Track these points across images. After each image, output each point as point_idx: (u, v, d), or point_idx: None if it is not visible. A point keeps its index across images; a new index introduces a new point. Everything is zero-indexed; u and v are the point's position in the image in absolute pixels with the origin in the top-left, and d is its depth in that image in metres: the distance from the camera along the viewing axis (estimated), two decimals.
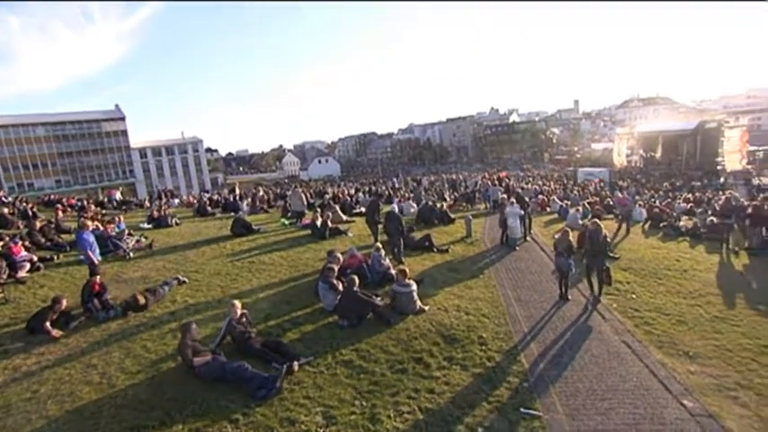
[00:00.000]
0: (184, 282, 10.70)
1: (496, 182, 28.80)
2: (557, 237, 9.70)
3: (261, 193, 28.18)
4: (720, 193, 34.01)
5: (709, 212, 17.43)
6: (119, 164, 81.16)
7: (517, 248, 13.79)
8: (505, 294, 10.12)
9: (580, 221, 17.81)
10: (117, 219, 16.41)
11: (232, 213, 22.32)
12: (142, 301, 8.97)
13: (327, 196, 24.02)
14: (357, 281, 8.46)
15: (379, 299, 9.30)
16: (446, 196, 28.90)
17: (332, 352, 7.52)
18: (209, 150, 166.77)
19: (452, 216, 18.28)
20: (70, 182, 75.41)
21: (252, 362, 7.06)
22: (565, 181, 42.24)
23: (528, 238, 14.84)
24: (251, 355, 7.19)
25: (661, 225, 16.64)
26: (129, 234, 15.45)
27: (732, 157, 47.46)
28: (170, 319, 8.74)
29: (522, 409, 6.11)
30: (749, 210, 14.18)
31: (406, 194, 25.45)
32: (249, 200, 24.74)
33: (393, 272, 10.84)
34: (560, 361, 7.24)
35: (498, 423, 5.91)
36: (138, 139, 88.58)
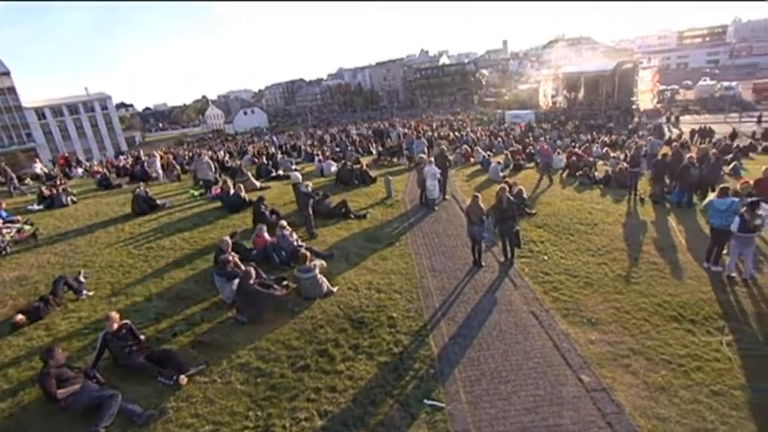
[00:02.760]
0: (86, 278, 9.41)
1: (420, 133, 28.53)
2: (467, 204, 9.40)
3: (163, 159, 25.64)
4: (635, 135, 36.10)
5: (621, 158, 18.14)
6: (11, 126, 71.73)
7: (436, 209, 13.55)
8: (420, 264, 9.85)
9: (501, 173, 17.93)
10: None
11: (142, 183, 20.37)
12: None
13: (238, 162, 22.25)
14: (253, 273, 7.71)
15: (284, 282, 8.71)
16: (372, 149, 28.11)
17: (228, 355, 6.90)
18: (122, 106, 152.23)
19: (374, 175, 17.66)
20: None
21: (135, 378, 6.33)
22: (491, 128, 42.67)
23: (447, 197, 14.62)
24: (133, 370, 6.40)
25: (577, 174, 17.07)
26: (10, 222, 13.48)
27: (645, 96, 50.21)
28: (43, 335, 7.59)
29: (425, 401, 5.90)
30: (657, 157, 14.75)
31: (328, 152, 24.33)
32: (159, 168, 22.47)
33: (303, 246, 10.24)
34: (468, 339, 7.10)
35: (400, 419, 5.68)
36: (33, 98, 78.46)
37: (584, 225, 11.64)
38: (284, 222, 10.37)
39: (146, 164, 23.04)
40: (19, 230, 12.83)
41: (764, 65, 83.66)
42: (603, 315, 7.45)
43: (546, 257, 9.77)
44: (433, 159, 13.66)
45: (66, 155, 37.94)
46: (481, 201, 9.21)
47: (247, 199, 13.75)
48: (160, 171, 21.54)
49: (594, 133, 34.38)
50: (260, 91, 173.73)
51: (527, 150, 22.51)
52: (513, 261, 9.59)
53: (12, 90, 71.05)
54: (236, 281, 7.78)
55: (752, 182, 10.27)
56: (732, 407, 5.49)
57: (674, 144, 16.61)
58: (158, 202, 14.99)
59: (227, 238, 9.16)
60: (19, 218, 14.08)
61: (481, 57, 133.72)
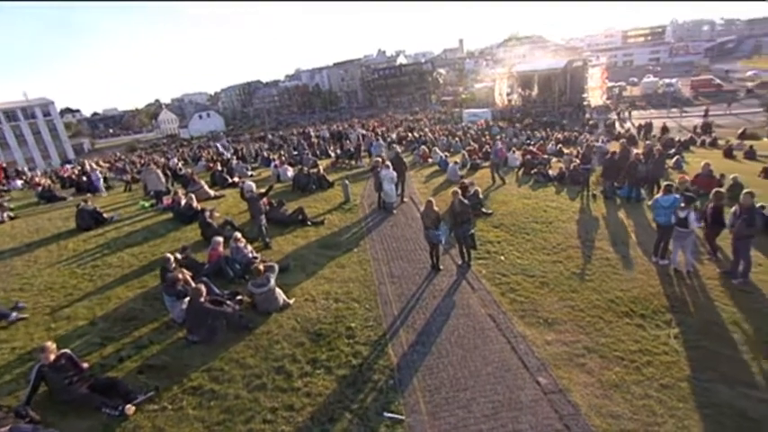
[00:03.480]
0: (23, 307, 8.66)
1: (378, 134, 28.47)
2: (421, 210, 9.37)
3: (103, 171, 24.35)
4: (586, 129, 37.48)
5: (574, 156, 18.70)
6: None
7: (394, 212, 13.48)
8: (378, 270, 9.74)
9: (459, 173, 18.09)
10: None
11: (89, 195, 19.23)
12: None
13: (190, 170, 21.35)
14: (204, 290, 7.35)
15: (239, 297, 8.38)
16: (330, 152, 27.79)
17: (179, 379, 6.53)
18: (68, 111, 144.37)
19: (332, 179, 17.42)
20: None
21: (76, 412, 5.89)
22: (449, 126, 43.19)
23: (405, 200, 14.59)
24: (75, 403, 5.94)
25: (532, 172, 17.45)
26: None
27: (595, 93, 52.26)
28: None
29: (384, 414, 5.78)
30: (607, 155, 15.28)
31: (285, 157, 23.83)
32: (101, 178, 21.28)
33: (258, 258, 9.92)
34: (427, 346, 7.04)
35: None
36: None
37: (540, 223, 11.86)
38: (238, 234, 10.00)
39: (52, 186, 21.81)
40: None
41: (699, 63, 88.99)
42: (559, 314, 7.58)
43: (503, 258, 9.88)
44: (389, 163, 13.56)
45: (5, 165, 35.54)
46: (435, 205, 9.19)
47: (200, 209, 13.20)
48: (102, 188, 20.24)
49: (548, 130, 35.38)
50: (216, 93, 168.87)
51: (483, 149, 22.83)
52: (471, 263, 9.63)
53: None
54: (187, 299, 7.40)
55: (688, 177, 10.75)
56: (679, 399, 5.68)
57: (622, 141, 17.22)
58: (105, 215, 14.15)
59: (170, 256, 8.67)
60: None
61: (438, 56, 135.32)
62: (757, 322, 7.15)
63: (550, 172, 17.52)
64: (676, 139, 27.29)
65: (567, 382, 5.99)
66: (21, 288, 9.59)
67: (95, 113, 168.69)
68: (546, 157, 20.76)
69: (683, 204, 8.56)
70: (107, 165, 33.10)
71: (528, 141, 27.88)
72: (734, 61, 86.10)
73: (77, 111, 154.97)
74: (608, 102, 55.08)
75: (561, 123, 40.17)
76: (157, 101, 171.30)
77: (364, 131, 35.36)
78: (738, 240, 8.35)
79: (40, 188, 20.68)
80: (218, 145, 33.50)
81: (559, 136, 30.45)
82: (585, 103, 49.25)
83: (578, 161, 16.43)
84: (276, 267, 8.34)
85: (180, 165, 27.11)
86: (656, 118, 43.75)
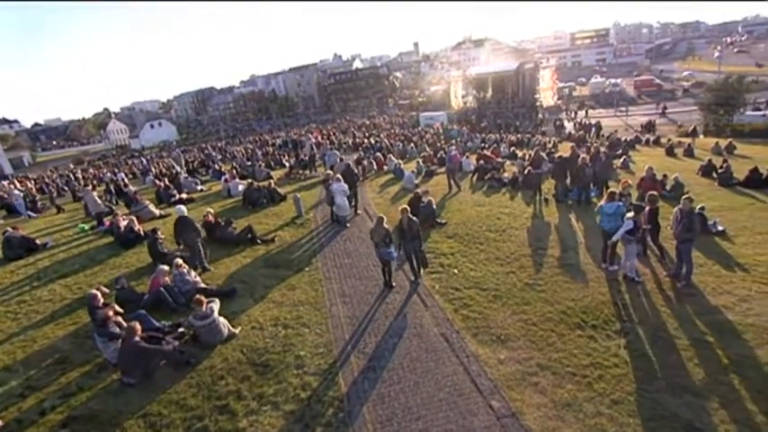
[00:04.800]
0: None
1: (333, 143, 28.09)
2: (371, 228, 9.12)
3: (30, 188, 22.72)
4: (539, 128, 38.47)
5: (526, 160, 18.99)
6: None
7: (348, 225, 13.18)
8: (330, 290, 9.40)
9: (415, 181, 18.00)
10: None
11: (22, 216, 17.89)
12: None
13: (134, 189, 20.20)
14: (138, 327, 6.78)
15: (180, 330, 7.85)
16: (285, 161, 27.19)
17: (111, 429, 5.95)
18: (4, 122, 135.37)
19: (285, 192, 16.94)
20: None
21: None
22: (406, 131, 43.32)
23: (359, 212, 14.32)
24: None
25: (486, 177, 17.59)
26: None
27: (546, 93, 53.85)
28: None
29: None
30: (555, 159, 15.55)
31: (237, 169, 23.06)
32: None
33: (202, 285, 9.38)
34: (378, 371, 6.77)
35: None
36: None
37: (494, 232, 11.86)
38: (179, 260, 9.39)
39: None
40: None
41: (641, 63, 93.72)
42: (512, 330, 7.49)
43: (456, 271, 9.75)
44: (340, 176, 13.25)
45: None
46: (386, 222, 8.95)
47: (142, 232, 12.44)
48: (24, 211, 18.79)
49: (502, 132, 36.08)
50: (168, 101, 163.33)
51: (438, 155, 22.90)
52: (421, 280, 9.45)
53: None
54: (120, 340, 6.82)
55: (631, 182, 11.01)
56: (629, 414, 5.65)
57: (572, 144, 17.66)
58: (39, 241, 13.11)
59: (96, 292, 7.94)
60: None
61: (394, 59, 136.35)
62: (699, 325, 7.31)
63: (505, 175, 17.73)
64: (623, 138, 28.35)
65: (521, 404, 5.86)
66: None
67: (36, 124, 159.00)
68: (500, 160, 21.02)
69: (630, 213, 8.67)
70: (35, 185, 30.95)
71: (482, 145, 28.22)
72: (671, 62, 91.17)
73: (15, 121, 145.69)
74: (559, 102, 56.98)
75: (515, 125, 41.04)
76: (106, 110, 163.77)
77: (318, 139, 34.87)
78: (681, 244, 8.56)
79: None
80: (172, 160, 32.12)
81: (513, 138, 31.06)
82: (538, 103, 50.66)
83: (530, 166, 16.68)
84: (218, 302, 7.85)
85: (126, 180, 25.84)
86: (605, 117, 45.61)
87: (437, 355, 7.03)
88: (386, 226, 8.82)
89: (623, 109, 49.42)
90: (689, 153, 23.97)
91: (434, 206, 13.32)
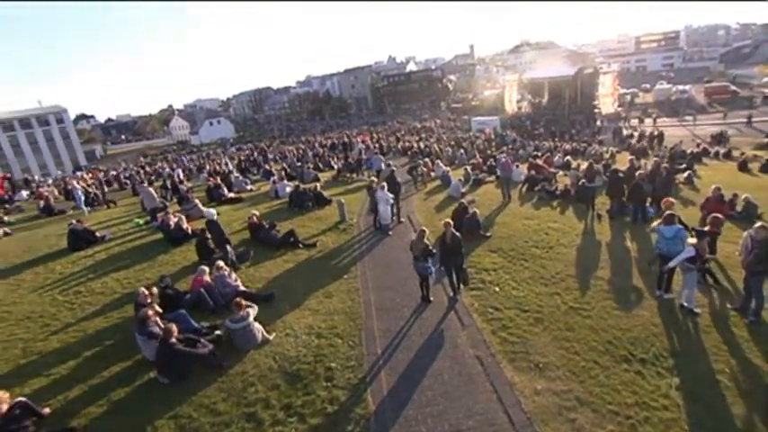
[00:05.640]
0: None
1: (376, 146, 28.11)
2: (412, 240, 8.94)
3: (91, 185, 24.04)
4: (596, 137, 36.68)
5: (580, 171, 18.10)
6: None
7: (390, 234, 13.07)
8: (367, 301, 9.32)
9: (462, 189, 17.63)
10: None
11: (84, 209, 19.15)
12: None
13: (184, 186, 21.13)
14: (174, 330, 6.99)
15: (217, 332, 8.03)
16: (334, 163, 27.53)
17: (143, 427, 6.16)
18: (83, 118, 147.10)
19: (330, 195, 17.09)
20: None
21: None
22: (458, 134, 42.71)
23: (402, 219, 14.18)
24: None
25: (536, 188, 16.92)
26: None
27: (606, 100, 51.35)
28: None
29: None
30: (610, 172, 14.70)
31: (283, 170, 23.57)
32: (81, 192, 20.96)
33: (242, 288, 9.58)
34: (408, 392, 6.59)
35: None
36: None
37: (540, 248, 11.35)
38: (221, 262, 9.66)
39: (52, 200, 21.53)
40: None
41: (714, 69, 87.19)
42: (552, 357, 7.07)
43: (497, 289, 9.37)
44: (384, 184, 13.16)
45: (8, 176, 35.87)
46: (427, 236, 8.75)
47: (190, 231, 12.93)
48: (83, 206, 19.72)
49: (556, 140, 34.73)
50: (228, 99, 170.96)
51: (488, 163, 22.32)
52: (460, 296, 9.14)
53: None
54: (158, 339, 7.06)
55: (671, 200, 10.07)
56: None
57: (631, 158, 16.63)
58: (98, 233, 13.99)
59: (142, 290, 8.32)
60: None
61: (448, 62, 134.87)
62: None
63: (556, 187, 16.98)
64: (688, 150, 26.43)
65: None
66: None
67: (109, 119, 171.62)
68: (552, 170, 20.18)
69: (693, 239, 7.96)
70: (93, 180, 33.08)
71: (535, 153, 27.23)
72: (750, 67, 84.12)
73: (92, 117, 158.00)
74: (619, 109, 54.13)
75: (570, 132, 39.37)
76: (170, 106, 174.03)
77: (368, 142, 35.04)
78: (751, 276, 7.77)
79: (41, 202, 20.64)
80: (227, 158, 33.45)
81: (567, 147, 29.77)
82: (596, 110, 48.44)
83: (584, 178, 15.86)
84: (256, 308, 7.97)
85: (182, 176, 27.08)
86: (669, 126, 42.81)
87: (470, 379, 6.75)
88: (426, 241, 8.62)
89: (690, 118, 46.18)
90: (766, 169, 21.88)
91: (479, 217, 12.94)
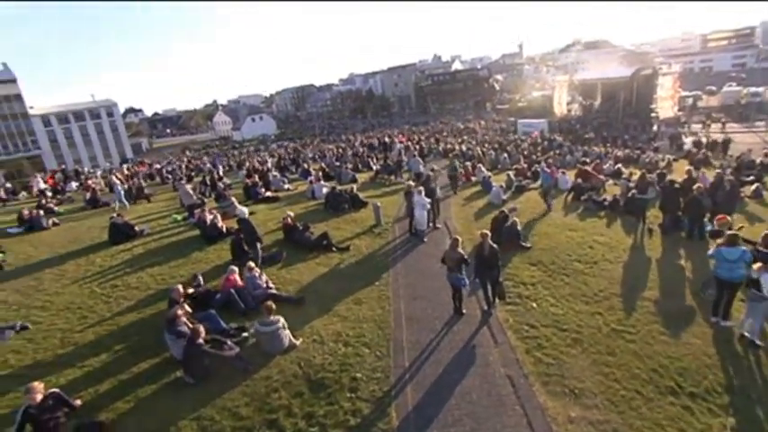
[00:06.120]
0: (25, 328, 9.00)
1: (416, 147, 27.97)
2: (445, 250, 8.80)
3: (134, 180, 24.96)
4: (651, 143, 34.94)
5: (631, 181, 17.30)
6: (16, 134, 72.98)
7: (425, 240, 12.94)
8: (397, 310, 9.26)
9: (503, 196, 17.25)
10: None
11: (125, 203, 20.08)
12: None
13: (222, 183, 21.79)
14: (202, 331, 7.18)
15: (244, 334, 8.20)
16: (372, 164, 27.62)
17: (166, 426, 6.36)
18: (132, 111, 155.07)
19: (367, 197, 17.13)
20: None
21: None
22: (501, 139, 41.87)
23: (438, 225, 14.01)
24: None
25: (582, 198, 16.30)
26: None
27: (665, 103, 48.89)
28: None
29: None
30: (665, 184, 13.96)
31: (321, 170, 23.84)
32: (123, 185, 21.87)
33: (274, 290, 9.74)
34: (434, 410, 6.48)
35: None
36: (40, 104, 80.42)
37: (583, 263, 10.92)
38: (252, 263, 9.86)
39: (98, 192, 22.50)
40: None
41: None
42: (589, 383, 6.76)
43: (534, 305, 9.08)
44: (421, 188, 13.05)
45: (63, 167, 38.10)
46: (461, 245, 8.59)
47: (224, 229, 13.30)
48: (124, 201, 20.34)
49: (608, 145, 33.39)
50: (270, 96, 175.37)
51: (533, 169, 21.73)
52: (494, 311, 8.91)
53: (18, 97, 72.45)
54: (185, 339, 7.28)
55: (726, 218, 9.38)
56: None
57: (688, 168, 15.72)
58: (137, 228, 14.62)
59: (179, 287, 8.64)
60: None
61: (496, 61, 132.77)
62: None
63: (605, 197, 16.31)
64: (758, 160, 24.70)
65: None
66: (42, 306, 9.96)
67: (156, 114, 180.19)
68: (602, 178, 19.40)
69: (758, 264, 7.41)
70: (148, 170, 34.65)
71: (584, 159, 26.29)
72: None
73: (140, 110, 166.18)
74: (680, 113, 51.40)
75: (623, 138, 37.71)
76: (215, 102, 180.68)
77: (407, 143, 34.96)
78: None
79: (88, 194, 21.82)
80: (267, 155, 34.35)
81: (619, 153, 28.53)
82: (653, 114, 46.19)
83: (635, 189, 15.13)
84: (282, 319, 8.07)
85: (222, 172, 27.93)
86: (737, 132, 40.25)
87: (500, 400, 6.55)
88: (460, 250, 8.47)
89: (762, 123, 43.19)
90: None
91: (520, 227, 12.60)
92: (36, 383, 6.12)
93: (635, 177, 18.11)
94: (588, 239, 12.42)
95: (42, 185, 28.62)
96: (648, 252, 11.61)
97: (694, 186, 12.51)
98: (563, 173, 19.25)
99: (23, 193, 27.98)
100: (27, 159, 71.72)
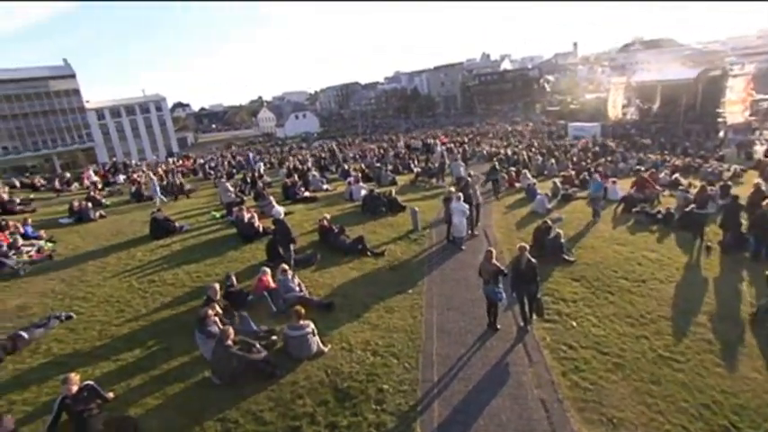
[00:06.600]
0: (70, 318, 9.58)
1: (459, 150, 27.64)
2: (481, 261, 8.62)
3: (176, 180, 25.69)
4: (717, 151, 32.95)
5: (689, 193, 16.39)
6: (73, 127, 77.94)
7: (463, 248, 12.75)
8: (429, 321, 9.16)
9: (548, 205, 16.75)
10: (22, 222, 15.12)
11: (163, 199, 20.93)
12: None
13: (261, 182, 22.31)
14: (231, 333, 7.36)
15: (273, 338, 8.35)
16: (413, 166, 27.53)
17: (192, 426, 6.56)
18: (179, 106, 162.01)
19: (404, 201, 17.07)
20: (19, 148, 72.67)
21: None
22: (550, 143, 40.73)
23: (476, 233, 13.78)
24: None
25: (634, 210, 15.57)
26: (35, 239, 14.23)
27: (734, 108, 46.02)
28: (5, 389, 7.42)
29: None
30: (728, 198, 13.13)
31: (361, 171, 23.97)
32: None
33: (305, 294, 9.86)
34: (460, 429, 6.36)
35: None
36: (95, 99, 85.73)
37: (630, 281, 10.42)
38: (285, 265, 10.03)
39: (143, 186, 23.24)
40: (38, 249, 13.45)
41: None
42: (630, 413, 6.43)
43: (575, 324, 8.74)
44: (461, 195, 12.86)
45: (114, 160, 40.18)
46: (495, 257, 8.39)
47: (261, 228, 13.62)
48: (159, 195, 20.86)
49: (666, 153, 31.80)
50: (315, 93, 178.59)
51: (581, 176, 20.99)
52: (531, 328, 8.64)
53: (76, 92, 77.38)
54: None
55: None
56: None
57: (757, 182, 14.70)
58: (177, 224, 15.21)
59: (216, 286, 8.92)
60: (42, 233, 14.85)
61: (547, 61, 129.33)
62: None
63: (658, 210, 15.53)
64: None
65: None
66: (84, 297, 10.57)
67: (202, 108, 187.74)
68: (657, 189, 18.48)
69: None
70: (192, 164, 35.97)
71: (638, 167, 25.17)
72: None
73: (187, 105, 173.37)
74: (752, 118, 48.20)
75: (684, 145, 35.78)
76: (260, 98, 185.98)
77: (449, 145, 34.63)
78: None
79: (133, 187, 22.91)
80: (309, 154, 35.06)
81: (678, 162, 27.09)
82: (720, 119, 43.56)
83: (694, 203, 14.30)
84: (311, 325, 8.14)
85: (263, 170, 28.63)
86: None
87: (531, 425, 6.34)
88: (495, 262, 8.28)
89: None
90: None
91: (563, 239, 12.19)
92: (72, 375, 6.48)
93: (694, 189, 17.17)
94: (637, 255, 11.86)
95: (94, 178, 30.38)
96: (705, 272, 10.96)
97: (764, 201, 11.70)
98: (614, 182, 18.47)
99: (76, 185, 29.73)
100: (81, 151, 76.58)
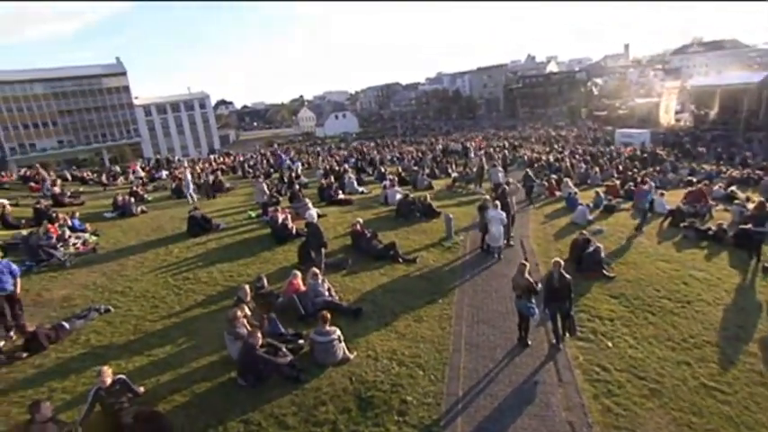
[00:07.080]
0: (108, 311, 10.07)
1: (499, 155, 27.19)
2: (513, 274, 8.46)
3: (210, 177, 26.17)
4: None
5: (746, 208, 15.51)
6: (122, 122, 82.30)
7: (498, 257, 12.56)
8: (457, 333, 9.07)
9: (589, 217, 16.26)
10: (70, 214, 15.98)
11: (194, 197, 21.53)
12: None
13: (298, 183, 22.69)
14: (259, 336, 7.53)
15: (300, 341, 8.48)
16: (451, 170, 27.34)
17: (216, 426, 6.74)
18: (223, 103, 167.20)
19: (438, 207, 16.96)
20: (73, 142, 77.11)
21: None
22: (594, 149, 39.49)
23: (512, 243, 13.53)
24: (119, 429, 6.52)
25: (681, 225, 14.89)
26: (81, 232, 15.01)
27: None
28: (46, 376, 7.83)
29: None
30: None
31: (396, 174, 23.95)
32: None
33: (335, 299, 9.96)
34: None
35: None
36: (142, 95, 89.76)
37: (674, 301, 9.97)
38: (316, 269, 10.17)
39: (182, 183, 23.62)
40: (84, 242, 14.18)
41: None
42: None
43: (610, 345, 8.44)
44: (498, 202, 12.67)
45: (158, 156, 41.79)
46: (528, 271, 8.22)
47: (294, 230, 13.85)
48: (193, 194, 21.29)
49: (721, 164, 30.27)
50: (356, 93, 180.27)
51: (626, 186, 20.25)
52: (563, 346, 8.40)
53: (126, 89, 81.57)
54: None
55: None
56: None
57: None
58: (214, 222, 15.67)
59: (247, 287, 9.16)
60: (88, 227, 15.66)
61: (596, 63, 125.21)
62: None
63: (710, 225, 14.80)
64: None
65: None
66: (122, 291, 11.04)
67: (245, 106, 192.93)
68: (711, 202, 17.61)
69: None
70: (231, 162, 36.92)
71: (689, 178, 24.04)
72: None
73: (230, 103, 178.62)
74: None
75: (744, 155, 33.92)
76: (301, 97, 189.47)
77: (487, 150, 34.17)
78: None
79: (174, 183, 23.75)
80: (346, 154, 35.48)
81: (735, 173, 25.70)
82: None
83: (750, 220, 13.52)
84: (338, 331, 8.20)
85: (300, 170, 29.10)
86: None
87: None
88: (528, 277, 8.11)
89: None
90: None
91: (603, 253, 11.81)
92: (106, 368, 6.79)
93: (752, 204, 16.23)
94: (683, 274, 11.33)
95: (141, 173, 31.78)
96: (759, 295, 10.36)
97: None
98: (662, 194, 17.70)
99: (121, 179, 31.18)
100: (129, 146, 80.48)
